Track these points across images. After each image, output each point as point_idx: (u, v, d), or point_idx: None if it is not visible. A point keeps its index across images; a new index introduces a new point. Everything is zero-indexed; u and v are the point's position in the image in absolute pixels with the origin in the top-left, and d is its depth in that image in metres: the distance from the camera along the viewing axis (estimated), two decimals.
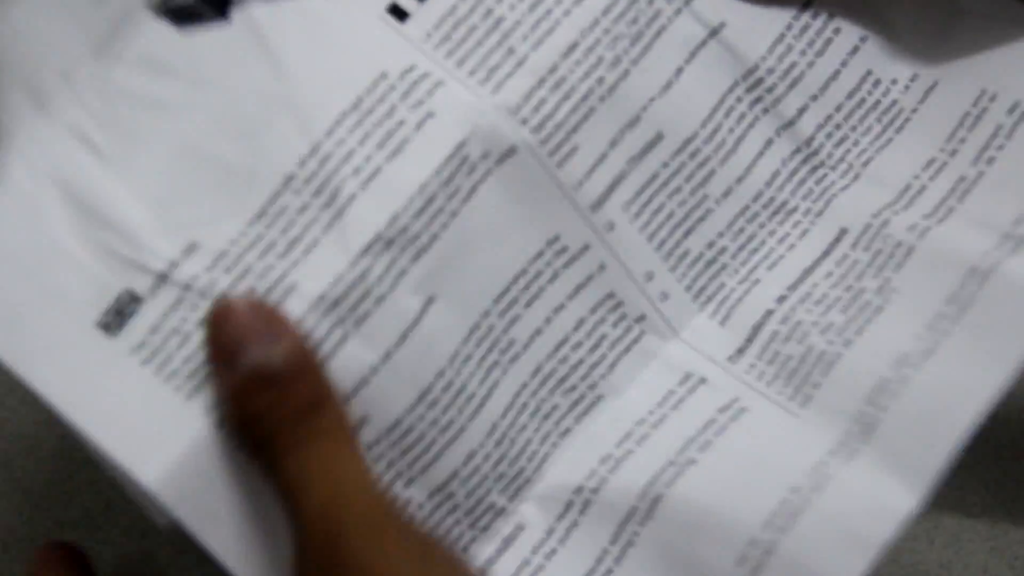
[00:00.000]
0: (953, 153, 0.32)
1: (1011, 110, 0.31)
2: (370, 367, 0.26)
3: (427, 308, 0.27)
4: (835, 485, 0.27)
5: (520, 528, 0.28)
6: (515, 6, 0.28)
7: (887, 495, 0.27)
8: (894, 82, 0.32)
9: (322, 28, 0.27)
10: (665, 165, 0.30)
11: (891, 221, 0.31)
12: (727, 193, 0.31)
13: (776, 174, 0.31)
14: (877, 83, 0.32)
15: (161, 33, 0.26)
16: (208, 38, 0.26)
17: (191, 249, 0.25)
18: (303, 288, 0.25)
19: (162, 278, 0.25)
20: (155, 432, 0.24)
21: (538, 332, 0.28)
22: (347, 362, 0.26)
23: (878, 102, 0.32)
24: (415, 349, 0.26)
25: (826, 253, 0.31)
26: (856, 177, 0.32)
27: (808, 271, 0.31)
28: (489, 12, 0.28)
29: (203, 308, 0.25)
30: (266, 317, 0.24)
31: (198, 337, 0.25)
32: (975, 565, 0.38)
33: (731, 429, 0.29)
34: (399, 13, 0.27)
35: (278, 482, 0.23)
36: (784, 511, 0.27)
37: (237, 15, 0.26)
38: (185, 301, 0.25)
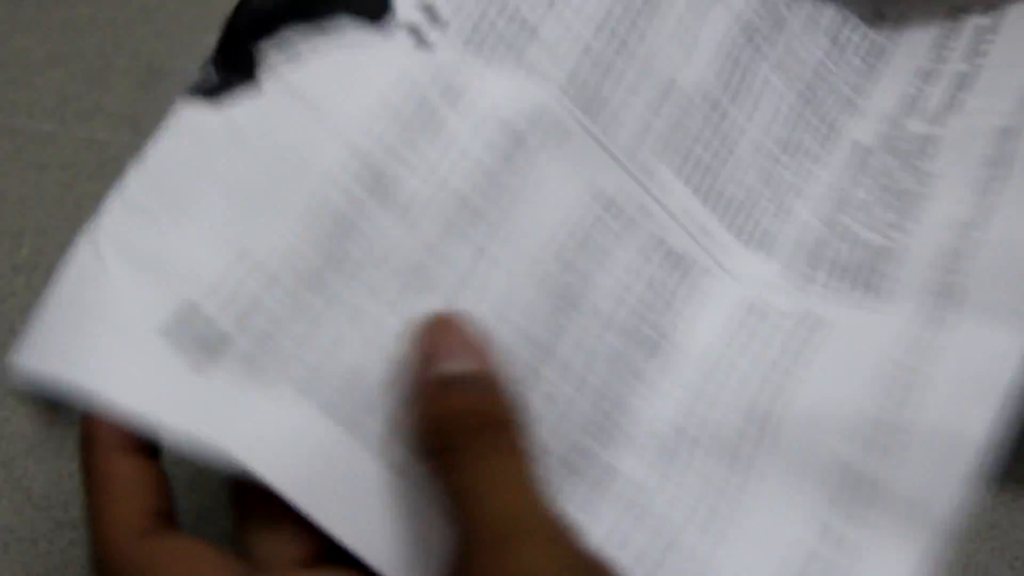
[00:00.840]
0: (943, 60, 0.33)
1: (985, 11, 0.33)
2: None
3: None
4: (940, 352, 0.27)
5: (619, 474, 0.28)
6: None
7: (996, 343, 0.27)
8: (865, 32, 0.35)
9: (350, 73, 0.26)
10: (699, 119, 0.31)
11: (905, 123, 0.32)
12: (742, 133, 0.32)
13: (777, 111, 0.33)
14: (856, 26, 0.35)
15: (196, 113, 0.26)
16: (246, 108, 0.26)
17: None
18: None
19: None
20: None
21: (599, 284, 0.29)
22: None
23: (861, 41, 0.35)
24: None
25: (852, 167, 0.32)
26: (855, 107, 0.34)
27: (839, 188, 0.32)
28: None
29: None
30: (471, 336, 0.25)
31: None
32: (975, 565, 0.38)
33: (816, 337, 0.29)
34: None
35: (451, 487, 0.23)
36: (896, 389, 0.27)
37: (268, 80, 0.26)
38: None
